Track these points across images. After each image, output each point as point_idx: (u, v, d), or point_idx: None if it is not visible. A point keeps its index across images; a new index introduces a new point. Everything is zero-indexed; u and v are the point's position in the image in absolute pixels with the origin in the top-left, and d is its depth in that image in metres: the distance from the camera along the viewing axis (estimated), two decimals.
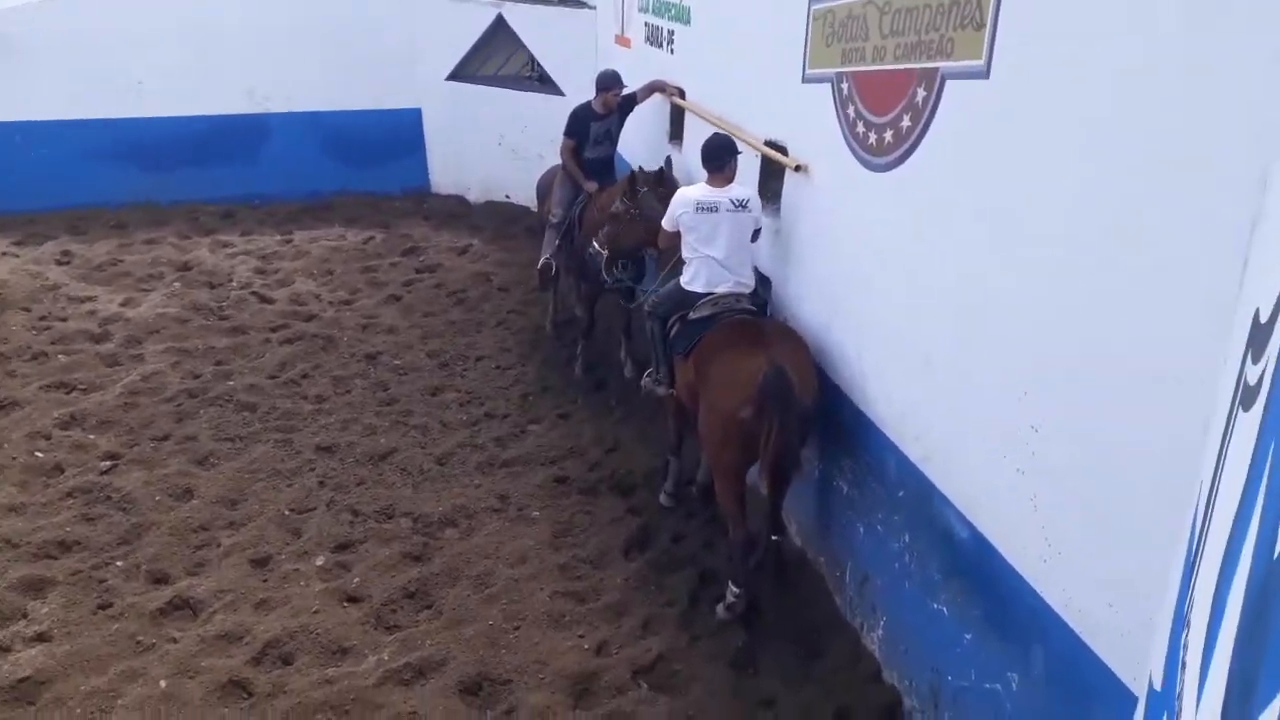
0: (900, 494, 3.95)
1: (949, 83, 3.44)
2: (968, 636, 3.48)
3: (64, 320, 7.40)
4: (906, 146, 3.74)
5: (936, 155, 3.56)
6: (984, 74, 3.21)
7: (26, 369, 6.62)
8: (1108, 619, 2.70)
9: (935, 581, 3.69)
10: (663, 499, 5.42)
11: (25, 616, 4.37)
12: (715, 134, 4.99)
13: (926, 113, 3.58)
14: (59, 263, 8.54)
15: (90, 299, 7.82)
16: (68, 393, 6.37)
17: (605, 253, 5.97)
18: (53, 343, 7.00)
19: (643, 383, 5.52)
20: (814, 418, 4.37)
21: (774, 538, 4.51)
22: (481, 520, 5.25)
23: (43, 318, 7.42)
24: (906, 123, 3.73)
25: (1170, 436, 2.38)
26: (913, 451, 3.83)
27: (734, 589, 4.43)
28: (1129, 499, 2.59)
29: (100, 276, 8.30)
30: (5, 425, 5.90)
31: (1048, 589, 3.01)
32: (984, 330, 3.30)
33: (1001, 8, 3.10)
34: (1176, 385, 2.37)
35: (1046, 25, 2.91)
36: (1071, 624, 2.88)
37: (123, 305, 7.75)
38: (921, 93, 3.61)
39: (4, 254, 8.62)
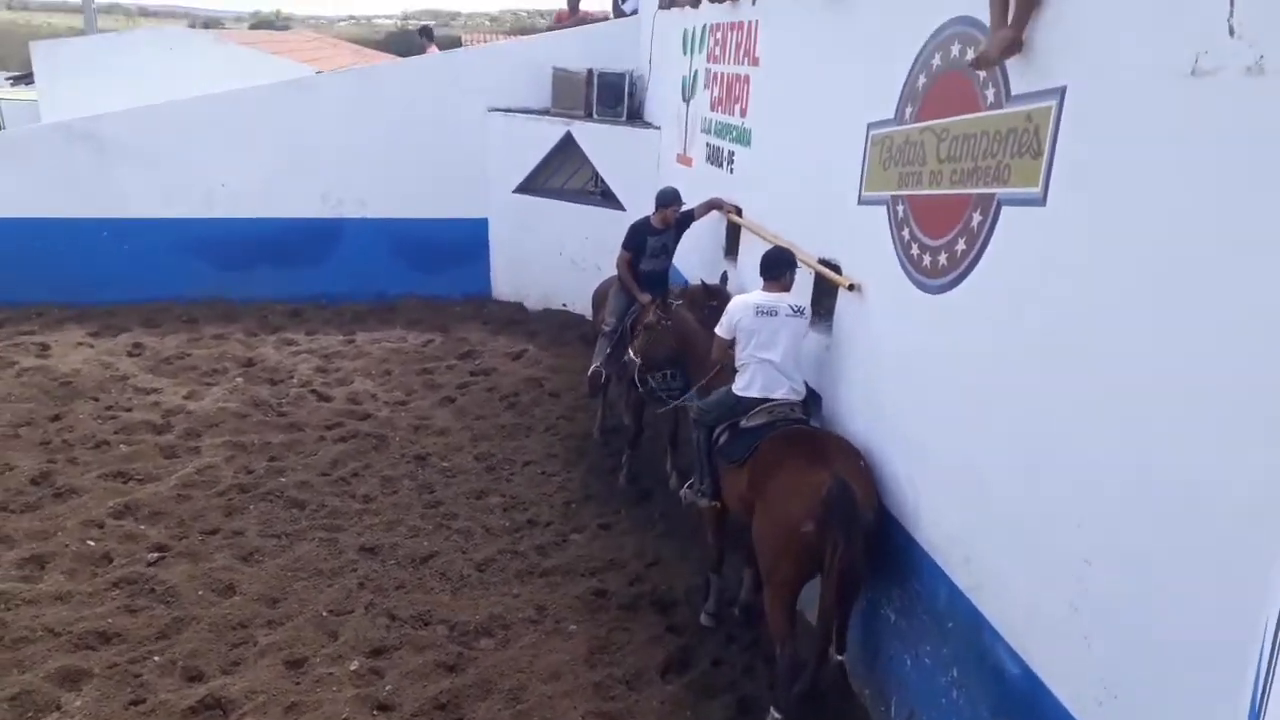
0: (950, 625, 3.78)
1: (1005, 208, 3.45)
2: None
3: (129, 410, 7.60)
4: (961, 269, 3.73)
5: (991, 279, 3.54)
6: (1040, 201, 3.22)
7: (88, 457, 6.78)
8: None
9: None
10: (704, 619, 5.27)
11: (59, 708, 4.35)
12: (775, 246, 5.13)
13: (982, 237, 3.59)
14: (130, 354, 8.83)
15: (156, 390, 8.04)
16: (125, 482, 6.49)
17: (638, 361, 6.05)
18: (115, 432, 7.18)
19: (683, 493, 5.45)
20: (875, 534, 4.25)
21: (840, 657, 4.32)
22: (518, 631, 5.15)
23: (109, 407, 7.63)
24: (961, 246, 3.73)
25: (1234, 578, 2.25)
26: (963, 580, 3.69)
27: (775, 715, 4.25)
28: (1189, 642, 2.44)
29: (168, 369, 8.55)
30: (62, 512, 6.01)
31: None
32: (1038, 457, 3.21)
33: (1060, 137, 3.12)
34: (1239, 522, 2.25)
35: (1104, 155, 2.91)
36: None
37: (186, 398, 7.95)
38: (977, 217, 3.62)
39: (80, 344, 8.96)
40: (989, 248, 3.57)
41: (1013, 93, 3.41)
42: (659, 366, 6.11)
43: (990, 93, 3.55)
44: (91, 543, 5.70)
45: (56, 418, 7.35)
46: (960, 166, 3.77)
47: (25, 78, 20.28)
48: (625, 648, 5.05)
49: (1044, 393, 3.19)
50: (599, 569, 5.80)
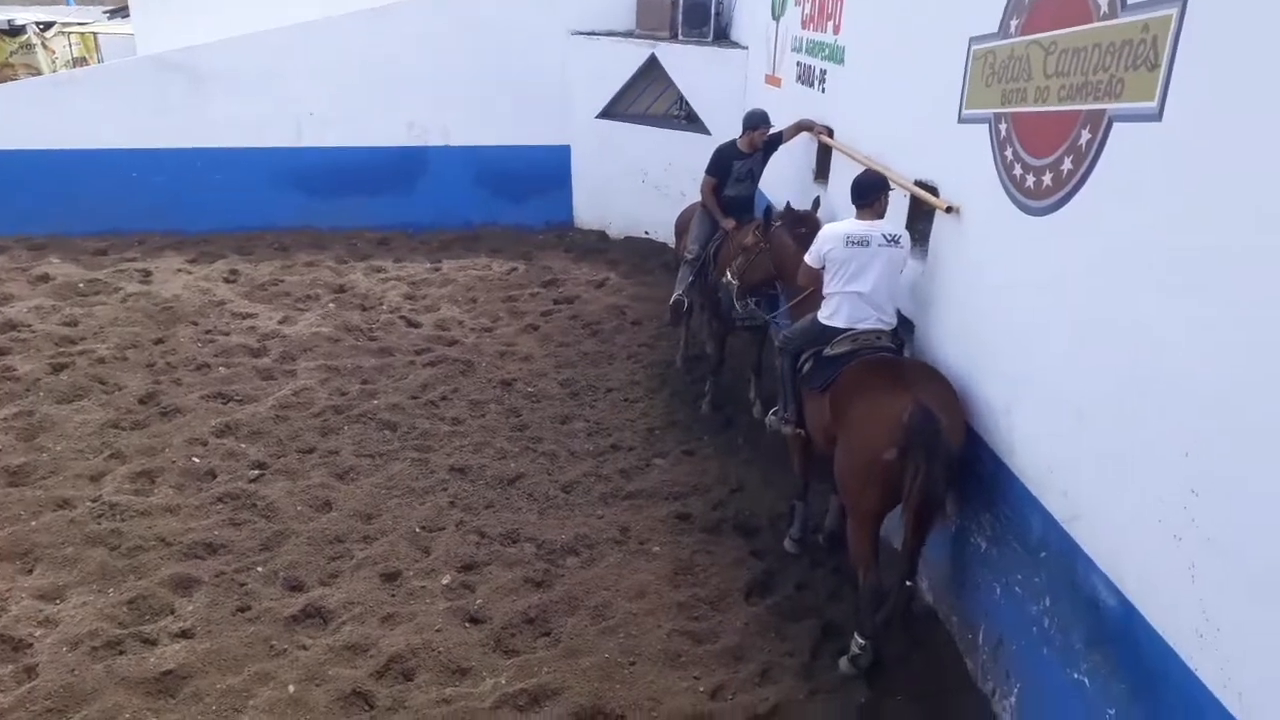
0: (1042, 554, 3.71)
1: (1116, 125, 3.27)
2: (1110, 711, 3.22)
3: (226, 335, 7.88)
4: (1067, 190, 3.56)
5: (1100, 199, 3.37)
6: (1156, 116, 3.03)
7: (190, 378, 7.06)
8: (1274, 705, 2.44)
9: (1077, 650, 3.44)
10: (787, 544, 5.28)
11: (173, 612, 4.61)
12: (867, 170, 4.92)
13: (1090, 155, 3.41)
14: (226, 281, 9.12)
15: (252, 315, 8.31)
16: (225, 403, 6.75)
17: (736, 284, 5.98)
18: (215, 355, 7.46)
19: (768, 420, 5.42)
20: (960, 462, 4.17)
21: (908, 583, 4.30)
22: (603, 551, 5.24)
23: (208, 331, 7.92)
24: (1068, 165, 3.55)
25: None
26: (1058, 510, 3.60)
27: (859, 641, 4.26)
28: None
29: (262, 295, 8.81)
30: (169, 430, 6.30)
31: (1204, 667, 2.76)
32: (1144, 384, 3.09)
33: (1179, 48, 2.92)
34: None
35: (1229, 67, 2.72)
36: (1229, 708, 2.63)
37: (281, 323, 8.19)
38: (1086, 135, 3.44)
39: (178, 271, 9.28)
40: (1098, 166, 3.39)
41: (1129, 1, 3.19)
42: (755, 290, 6.07)
43: (1104, 1, 3.33)
44: (196, 459, 5.97)
45: (160, 341, 7.67)
46: (1069, 81, 3.57)
47: (121, 10, 20.73)
48: (709, 569, 5.10)
49: (1153, 318, 3.04)
50: (682, 493, 5.85)
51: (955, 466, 4.08)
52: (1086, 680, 3.38)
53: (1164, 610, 2.96)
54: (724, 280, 6.23)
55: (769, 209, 5.79)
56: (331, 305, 8.65)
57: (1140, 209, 3.12)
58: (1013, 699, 3.94)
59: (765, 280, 5.93)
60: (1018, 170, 3.94)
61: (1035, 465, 3.81)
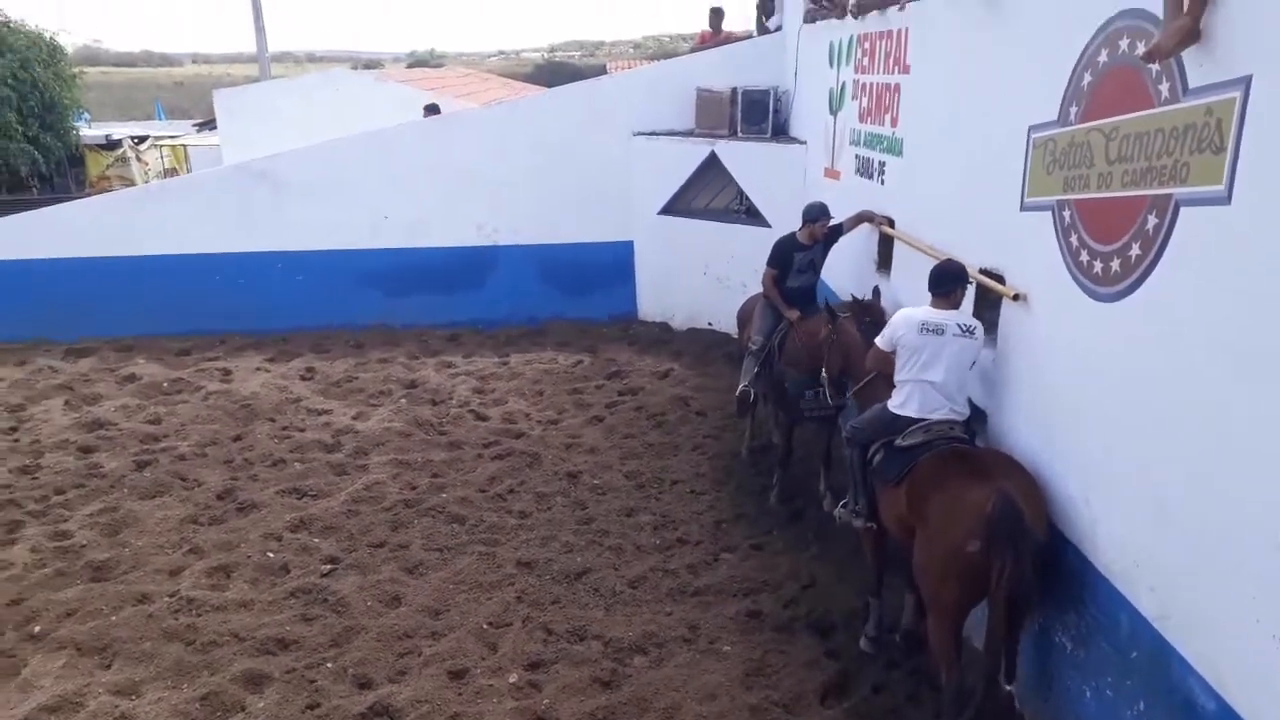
0: (1133, 655, 3.54)
1: (1184, 209, 3.24)
2: None
3: (302, 431, 8.08)
4: (1137, 275, 3.52)
5: (1171, 284, 3.32)
6: (1224, 199, 3.00)
7: (267, 474, 7.23)
8: None
9: None
10: (863, 644, 5.12)
11: (243, 709, 4.63)
12: (949, 259, 4.89)
13: (1159, 240, 3.38)
14: (303, 378, 9.40)
15: (327, 412, 8.52)
16: (299, 498, 6.89)
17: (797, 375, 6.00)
18: (291, 451, 7.64)
19: (837, 513, 5.32)
20: (1046, 554, 4.03)
21: (1008, 687, 4.10)
22: (671, 650, 5.14)
23: (285, 428, 8.13)
24: (1136, 251, 3.52)
25: None
26: (1147, 607, 3.45)
27: None
28: None
29: (337, 392, 9.05)
30: (245, 525, 6.43)
31: None
32: (1225, 471, 2.97)
33: (1245, 130, 2.90)
34: None
35: None
36: None
37: (354, 419, 8.38)
38: (1153, 219, 3.41)
39: (257, 369, 9.60)
40: (1167, 251, 3.34)
41: (1190, 86, 3.20)
42: (818, 379, 6.10)
43: (1165, 87, 3.34)
44: (271, 554, 6.07)
45: (238, 438, 7.89)
46: (1132, 167, 3.56)
47: (209, 124, 22.01)
48: (781, 671, 4.96)
49: (1231, 403, 2.96)
50: (752, 589, 5.73)
51: (1041, 558, 3.95)
52: None
53: (1270, 715, 2.79)
54: (782, 373, 6.22)
55: (827, 302, 5.82)
56: (403, 400, 8.83)
57: (1214, 292, 3.07)
58: None
59: (838, 370, 5.89)
60: (1084, 256, 3.91)
61: (1119, 560, 3.67)
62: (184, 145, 22.24)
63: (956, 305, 4.74)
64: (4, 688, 4.72)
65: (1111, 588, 3.69)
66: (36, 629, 5.20)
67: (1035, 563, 3.84)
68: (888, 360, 4.83)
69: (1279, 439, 2.74)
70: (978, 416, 4.99)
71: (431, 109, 12.25)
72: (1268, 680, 2.78)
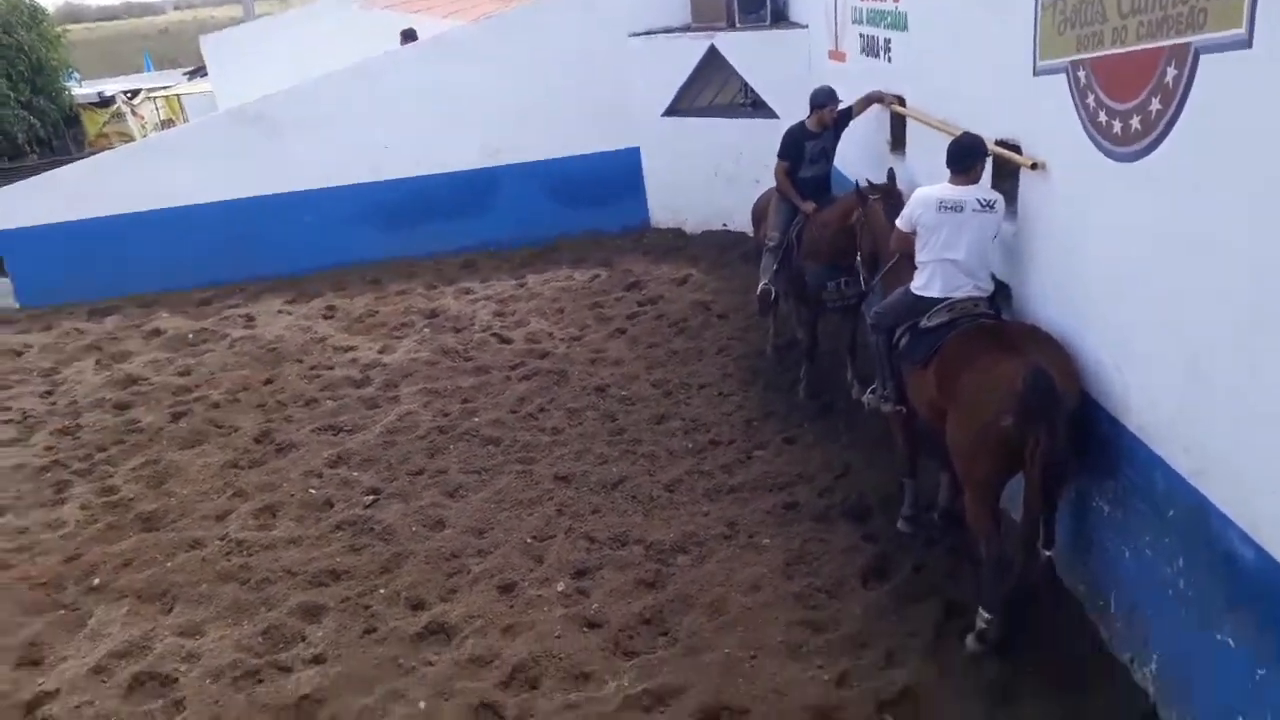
0: (1171, 514, 3.56)
1: (1204, 57, 3.11)
2: (1261, 671, 3.07)
3: (330, 369, 8.15)
4: (1158, 131, 3.42)
5: (1194, 138, 3.22)
6: (1246, 43, 2.88)
7: (300, 414, 7.33)
8: None
9: (1218, 610, 3.29)
10: (901, 525, 5.18)
11: (304, 639, 4.79)
12: (965, 133, 4.73)
13: (1179, 93, 3.26)
14: (325, 317, 9.43)
15: (352, 348, 8.57)
16: (335, 434, 6.98)
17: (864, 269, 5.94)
18: (322, 389, 7.72)
19: (865, 399, 5.33)
20: (1080, 423, 4.02)
21: (1047, 553, 4.15)
22: (712, 547, 5.23)
23: (313, 367, 8.20)
24: (1156, 106, 3.41)
25: None
26: (1183, 466, 3.45)
27: (985, 615, 4.15)
28: None
29: (360, 327, 9.09)
30: (284, 465, 6.55)
31: None
32: (1259, 323, 2.93)
33: None
34: None
35: None
36: None
37: (380, 352, 8.44)
38: (1172, 71, 3.29)
39: (279, 312, 9.64)
40: (1188, 103, 3.23)
41: None
42: (838, 270, 6.13)
43: None
44: (313, 490, 6.19)
45: (269, 381, 7.97)
46: (1147, 18, 3.42)
47: (199, 70, 21.69)
48: (822, 558, 5.05)
49: (1260, 255, 2.89)
50: (787, 483, 5.80)
51: (1075, 427, 3.94)
52: (1231, 641, 3.22)
53: None
54: (810, 265, 6.16)
55: (856, 184, 5.72)
56: (426, 330, 8.86)
57: (1239, 144, 2.97)
58: (1152, 666, 3.78)
59: (869, 255, 5.79)
60: (1103, 117, 3.80)
61: (1154, 421, 3.66)
62: (178, 95, 21.96)
63: (976, 180, 4.63)
64: (74, 639, 4.90)
65: (1147, 449, 3.69)
66: (96, 581, 5.36)
67: (1069, 433, 3.83)
68: (909, 241, 4.76)
69: None
70: (1002, 290, 4.94)
71: (409, 34, 11.94)
72: None
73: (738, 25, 9.84)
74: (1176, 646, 3.62)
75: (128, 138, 19.97)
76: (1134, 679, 3.92)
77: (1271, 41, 2.78)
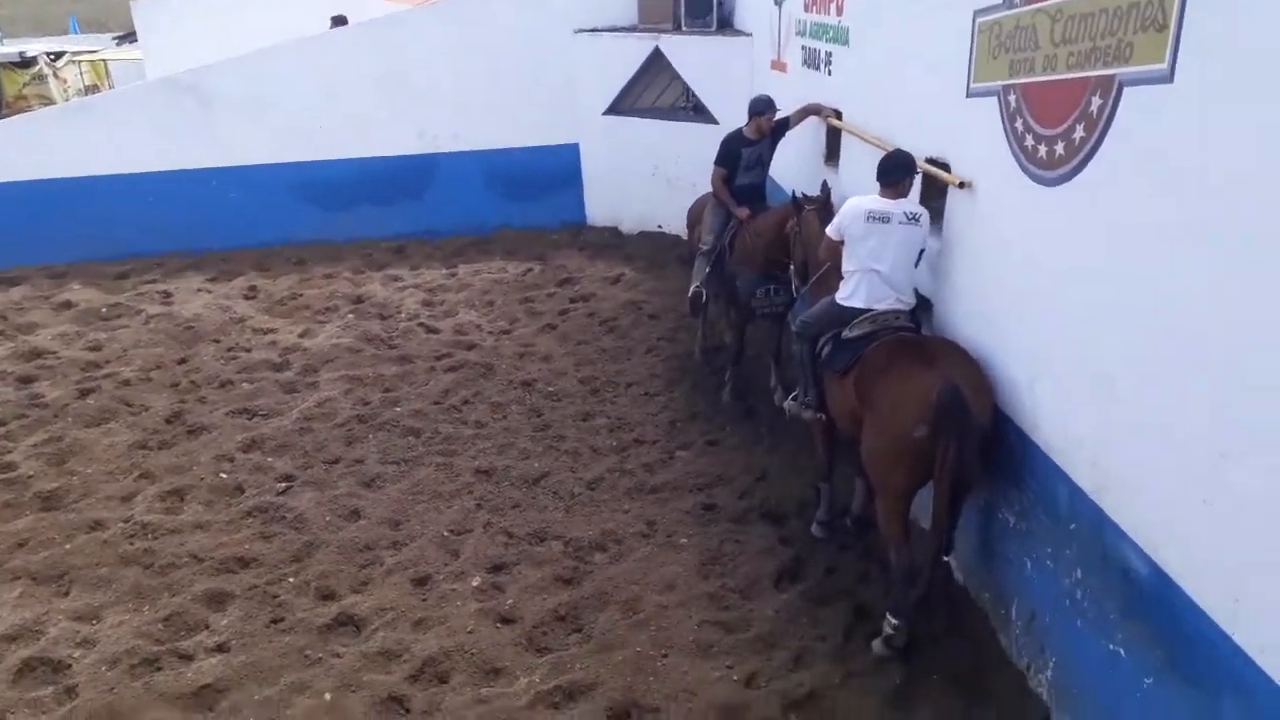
0: (1072, 526, 3.68)
1: (1127, 89, 3.22)
2: (1148, 681, 3.19)
3: (248, 351, 7.94)
4: (1081, 158, 3.52)
5: (1114, 166, 3.33)
6: (1167, 78, 2.99)
7: (215, 396, 7.13)
8: None
9: (1111, 621, 3.41)
10: (815, 529, 5.26)
11: (207, 627, 4.65)
12: (896, 150, 4.85)
13: (1102, 122, 3.37)
14: (246, 297, 9.20)
15: (272, 330, 8.37)
16: (250, 418, 6.81)
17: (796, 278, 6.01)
18: (238, 372, 7.52)
19: (786, 405, 5.40)
20: (990, 437, 4.14)
21: (945, 558, 4.27)
22: (630, 546, 5.24)
23: (230, 349, 7.99)
24: (1080, 134, 3.51)
25: None
26: (1086, 481, 3.57)
27: (892, 621, 4.24)
28: None
29: (282, 310, 8.88)
30: (195, 448, 6.36)
31: (1241, 632, 2.72)
32: (1165, 349, 3.05)
33: (1187, 6, 2.88)
34: None
35: (1236, 22, 2.67)
36: (1270, 672, 2.59)
37: (301, 336, 8.25)
38: (1097, 101, 3.39)
39: (198, 290, 9.36)
40: (1110, 133, 3.34)
41: None
42: (769, 277, 6.24)
43: None
44: (224, 475, 6.03)
45: (183, 360, 7.74)
46: (1077, 48, 3.53)
47: (129, 36, 20.94)
48: (737, 559, 5.09)
49: (1172, 282, 3.00)
50: (707, 484, 5.84)
51: (986, 441, 4.06)
52: (1122, 650, 3.34)
53: (1197, 576, 2.93)
54: (741, 270, 6.23)
55: (792, 194, 5.80)
56: (350, 316, 8.70)
57: (1155, 172, 3.08)
58: (1048, 673, 3.90)
59: (799, 264, 5.89)
60: (1029, 141, 3.90)
61: (1061, 437, 3.77)
62: (104, 60, 21.16)
63: (904, 194, 4.74)
64: None
65: (1052, 464, 3.80)
66: None
67: (979, 447, 3.95)
68: (837, 249, 4.85)
69: (1214, 316, 2.80)
70: (924, 305, 5.05)
71: (339, 20, 11.71)
72: (1197, 542, 2.91)
73: (683, 29, 9.88)
74: (1072, 655, 3.73)
75: (48, 101, 19.17)
76: (1030, 686, 4.03)
77: (1192, 77, 2.88)
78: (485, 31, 10.27)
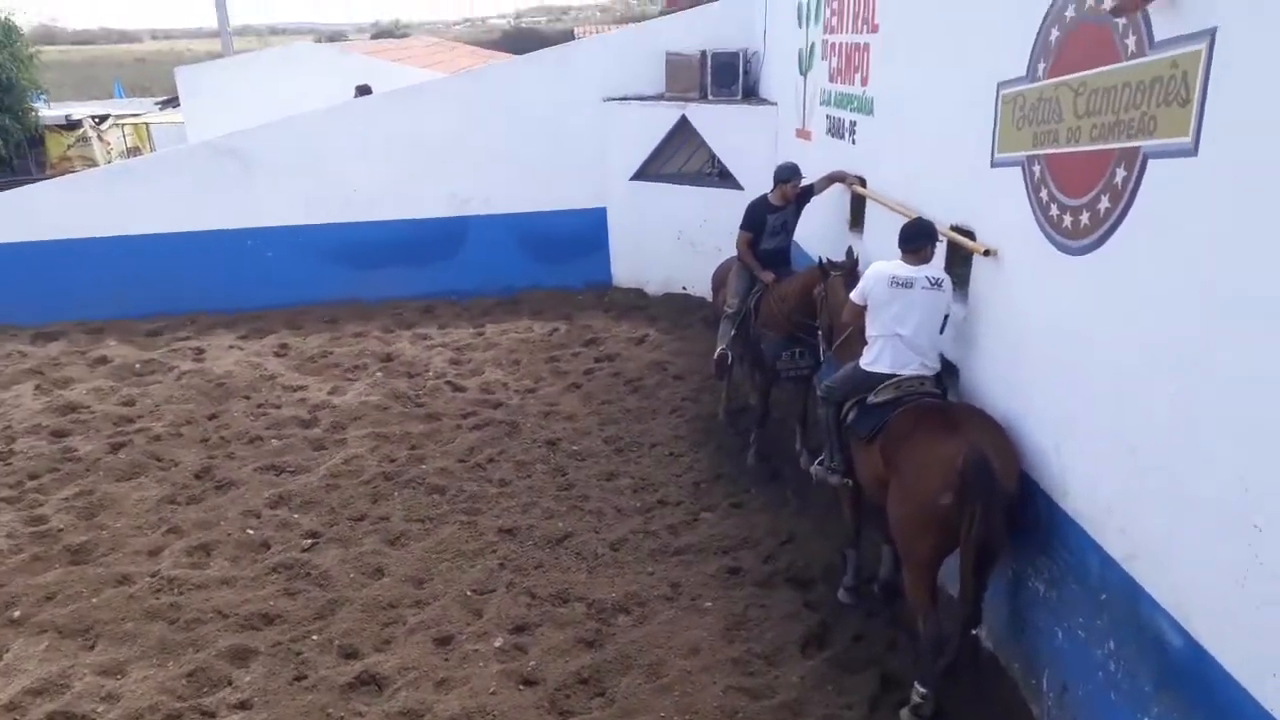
0: (1103, 596, 3.63)
1: (1152, 161, 3.28)
2: None
3: (278, 408, 8.04)
4: (1106, 228, 3.57)
5: (1140, 236, 3.38)
6: (1191, 151, 3.04)
7: (244, 451, 7.20)
8: None
9: (1146, 693, 3.35)
10: (842, 595, 5.21)
11: (230, 684, 4.65)
12: (917, 218, 4.96)
13: (1127, 193, 3.42)
14: (277, 355, 9.33)
15: (302, 388, 8.48)
16: (278, 474, 6.87)
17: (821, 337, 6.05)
18: (268, 428, 7.61)
19: (813, 470, 5.39)
20: (1016, 504, 4.12)
21: (974, 630, 4.22)
22: (654, 608, 5.21)
23: (260, 405, 8.09)
24: (1105, 204, 3.56)
25: None
26: (1116, 550, 3.54)
27: (920, 690, 4.17)
28: None
29: (312, 367, 9.00)
30: (223, 503, 6.41)
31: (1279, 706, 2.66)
32: (1194, 417, 3.04)
33: (1210, 82, 2.94)
34: None
35: (1260, 98, 2.73)
36: None
37: (330, 394, 8.35)
38: (1121, 172, 3.45)
39: (231, 347, 9.52)
40: (1135, 204, 3.39)
41: (1156, 39, 3.23)
42: (794, 340, 6.28)
43: (1131, 41, 3.37)
44: (251, 531, 6.06)
45: (214, 416, 7.84)
46: (1100, 121, 3.60)
47: (172, 101, 21.60)
48: (763, 624, 5.05)
49: (1200, 352, 3.02)
50: (732, 547, 5.81)
51: (1012, 509, 4.04)
52: None
53: (1233, 649, 2.88)
54: (767, 333, 6.27)
55: (820, 259, 5.89)
56: (379, 374, 8.80)
57: (1181, 243, 3.12)
58: None
59: (830, 328, 5.93)
60: (1054, 211, 3.95)
61: (1090, 504, 3.75)
62: (146, 123, 21.82)
63: (927, 260, 4.79)
64: None
65: (1082, 531, 3.78)
66: (16, 614, 5.17)
67: (1005, 514, 3.94)
68: (861, 314, 4.89)
69: (1244, 386, 2.80)
70: (950, 371, 5.06)
71: (363, 90, 12.05)
72: (1233, 614, 2.87)
73: (710, 98, 10.10)
74: None
75: (91, 162, 19.73)
76: None
77: (1215, 150, 2.93)
78: (518, 99, 10.54)
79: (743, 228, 6.90)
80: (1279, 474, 2.67)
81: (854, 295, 4.92)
